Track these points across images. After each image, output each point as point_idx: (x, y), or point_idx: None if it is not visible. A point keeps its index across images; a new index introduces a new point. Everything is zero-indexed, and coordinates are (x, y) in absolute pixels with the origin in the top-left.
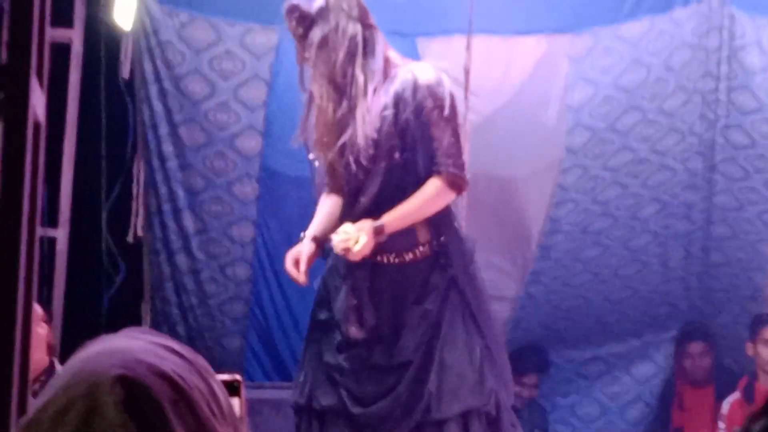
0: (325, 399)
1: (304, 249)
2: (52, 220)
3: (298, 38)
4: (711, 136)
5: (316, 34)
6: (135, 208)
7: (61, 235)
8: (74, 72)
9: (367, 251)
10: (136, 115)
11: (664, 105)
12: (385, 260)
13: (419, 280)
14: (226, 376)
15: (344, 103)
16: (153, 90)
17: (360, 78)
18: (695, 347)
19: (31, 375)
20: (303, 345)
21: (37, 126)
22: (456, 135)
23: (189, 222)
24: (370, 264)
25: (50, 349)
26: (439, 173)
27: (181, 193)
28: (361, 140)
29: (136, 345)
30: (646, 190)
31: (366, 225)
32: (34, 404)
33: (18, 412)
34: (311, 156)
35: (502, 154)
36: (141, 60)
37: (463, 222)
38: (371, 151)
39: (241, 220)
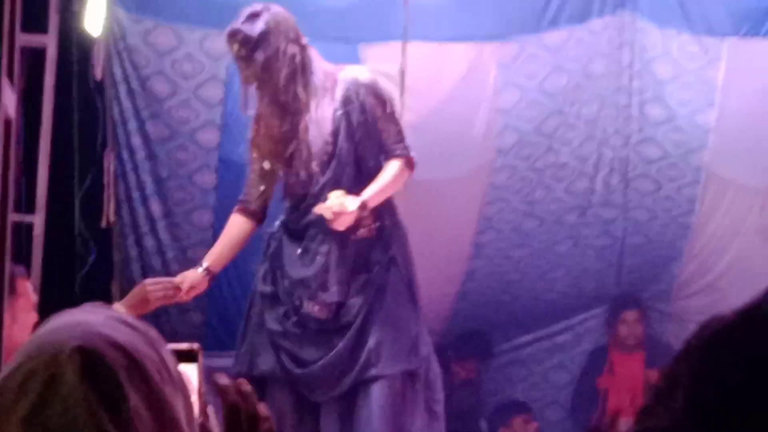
0: (265, 364)
1: (192, 277)
2: (29, 207)
3: (241, 60)
4: (625, 153)
5: (259, 56)
6: (106, 196)
7: (37, 220)
8: (49, 74)
9: (351, 221)
10: (106, 113)
11: (582, 110)
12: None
13: (363, 255)
14: (185, 345)
15: (288, 119)
16: (122, 89)
17: (302, 95)
18: (630, 315)
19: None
20: (243, 320)
21: (8, 122)
22: (398, 123)
23: (156, 207)
24: (329, 241)
25: (34, 327)
26: (395, 156)
27: (148, 182)
28: (314, 146)
29: (93, 318)
30: (568, 196)
31: (352, 199)
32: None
33: None
34: (255, 166)
35: (437, 155)
36: (110, 62)
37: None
38: (330, 149)
39: (201, 207)
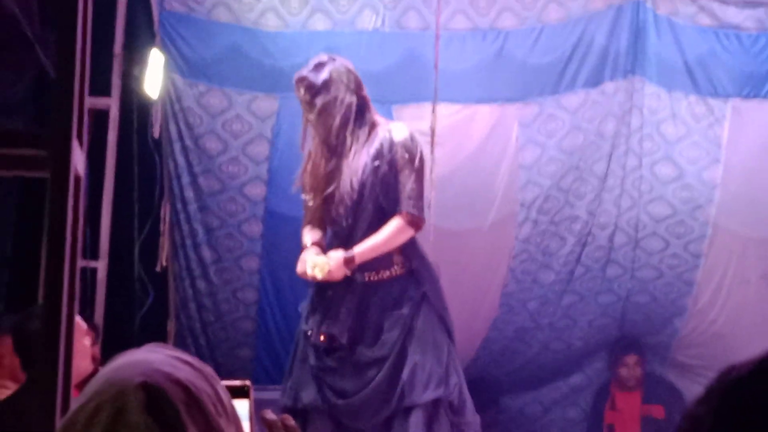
0: (308, 397)
1: (308, 252)
2: (93, 254)
3: (304, 104)
4: (635, 213)
5: (318, 101)
6: (162, 243)
7: (101, 266)
8: (112, 133)
9: (337, 276)
10: (162, 168)
11: (594, 167)
12: (367, 278)
13: (396, 293)
14: (237, 382)
15: (333, 161)
16: (177, 147)
17: (348, 141)
18: (630, 359)
19: (77, 380)
20: (290, 356)
21: (77, 179)
22: (419, 182)
23: (207, 254)
24: (352, 283)
25: (95, 359)
26: (400, 213)
27: (200, 230)
28: (344, 191)
29: (154, 357)
30: (579, 249)
31: (338, 254)
32: (71, 407)
33: (62, 411)
34: (304, 196)
35: (464, 207)
36: (167, 122)
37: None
38: (355, 197)
39: (249, 254)
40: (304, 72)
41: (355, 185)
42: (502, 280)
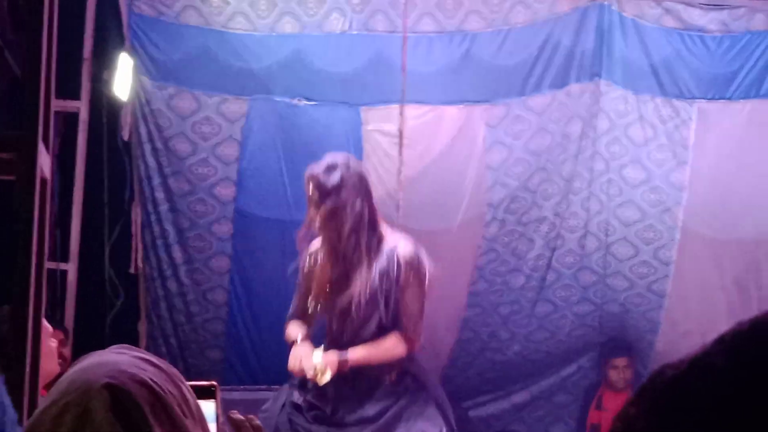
0: None
1: (303, 348)
2: (63, 256)
3: (311, 202)
4: (605, 218)
5: (328, 204)
6: (134, 245)
7: (71, 268)
8: (81, 135)
9: (328, 380)
10: (132, 170)
11: (560, 168)
12: (366, 376)
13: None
14: (204, 383)
15: (340, 267)
16: (147, 149)
17: (362, 250)
18: (620, 361)
19: (44, 381)
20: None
21: (44, 181)
22: (421, 304)
23: (177, 254)
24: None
25: (66, 361)
26: (400, 331)
27: (171, 231)
28: (350, 305)
29: (120, 358)
30: (549, 254)
31: (333, 358)
32: (37, 407)
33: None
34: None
35: (432, 207)
36: (137, 125)
37: None
38: (361, 315)
39: (219, 254)
40: (316, 170)
41: (362, 303)
42: (469, 277)
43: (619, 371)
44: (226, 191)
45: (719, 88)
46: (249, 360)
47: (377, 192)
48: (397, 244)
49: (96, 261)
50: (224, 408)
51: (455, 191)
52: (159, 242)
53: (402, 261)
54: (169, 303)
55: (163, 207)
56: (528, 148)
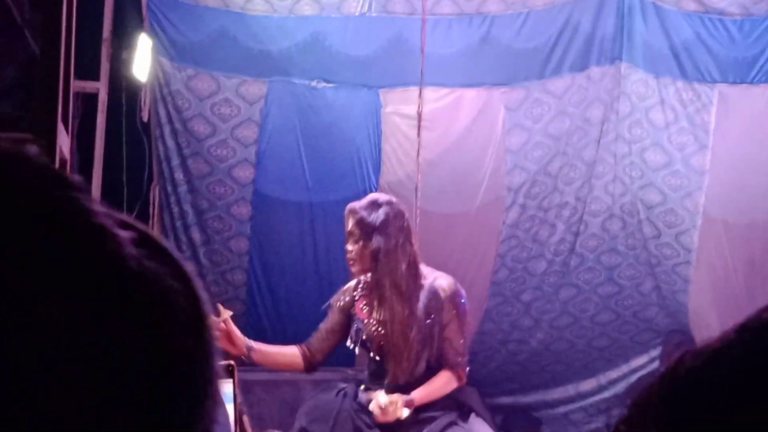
0: None
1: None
2: None
3: (351, 237)
4: (629, 200)
5: (376, 242)
6: (151, 225)
7: None
8: (100, 116)
9: (406, 416)
10: (151, 151)
11: (582, 153)
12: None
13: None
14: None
15: (388, 307)
16: (166, 130)
17: (410, 290)
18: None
19: None
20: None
21: (63, 161)
22: (464, 337)
23: (196, 235)
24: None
25: None
26: (450, 368)
27: (190, 212)
28: (409, 343)
29: None
30: (572, 238)
31: (404, 399)
32: None
33: None
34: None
35: (450, 190)
36: (156, 106)
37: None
38: (413, 356)
39: (238, 235)
40: (356, 206)
41: (415, 343)
42: (491, 266)
43: None
44: (245, 173)
45: (740, 72)
46: (268, 340)
47: (396, 175)
48: (435, 280)
49: None
50: (243, 388)
51: (474, 174)
52: (178, 223)
53: (443, 297)
54: None
55: (182, 188)
56: (547, 131)
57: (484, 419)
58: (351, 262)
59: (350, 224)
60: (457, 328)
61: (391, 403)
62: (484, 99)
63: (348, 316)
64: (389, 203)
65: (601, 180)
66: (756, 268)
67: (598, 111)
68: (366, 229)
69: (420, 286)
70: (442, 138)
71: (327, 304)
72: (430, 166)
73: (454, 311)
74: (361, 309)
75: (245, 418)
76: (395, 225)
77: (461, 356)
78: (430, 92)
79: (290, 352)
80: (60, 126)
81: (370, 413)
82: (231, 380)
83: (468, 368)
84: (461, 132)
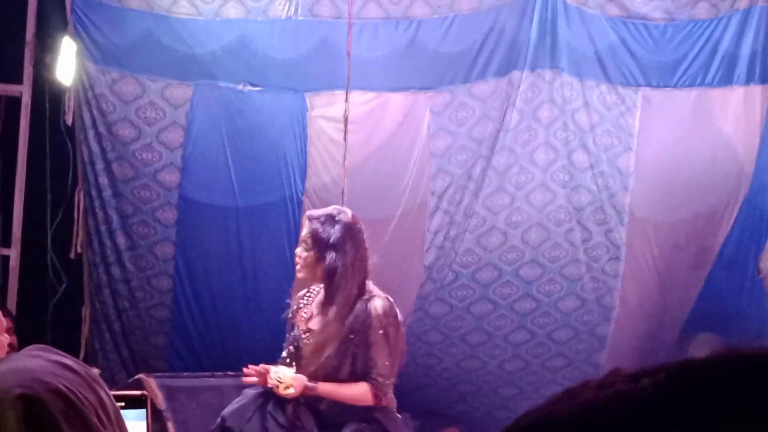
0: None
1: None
2: (5, 241)
3: (302, 243)
4: (555, 207)
5: (330, 260)
6: (75, 230)
7: (13, 253)
8: (24, 120)
9: (289, 395)
10: (76, 155)
11: (498, 159)
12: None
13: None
14: (136, 393)
15: (321, 315)
16: (90, 134)
17: (343, 303)
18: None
19: None
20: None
21: None
22: (392, 358)
23: (121, 240)
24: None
25: (13, 349)
26: (371, 384)
27: (114, 217)
28: (325, 352)
29: (35, 364)
30: (480, 251)
31: (302, 379)
32: None
33: None
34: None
35: (376, 195)
36: (80, 109)
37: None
38: (336, 364)
39: (163, 240)
40: (314, 215)
41: (332, 353)
42: (417, 278)
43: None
44: (171, 177)
45: (664, 76)
46: (194, 346)
47: (322, 179)
48: (372, 299)
49: (38, 246)
50: (167, 395)
51: (400, 178)
52: (102, 228)
53: (373, 317)
54: (113, 289)
55: (107, 192)
56: (471, 135)
57: None
58: (297, 267)
59: (304, 232)
60: (381, 349)
61: (284, 376)
62: (409, 103)
63: (292, 325)
64: (347, 222)
65: (522, 190)
66: (679, 249)
67: (515, 118)
68: (319, 243)
69: (353, 302)
70: (368, 142)
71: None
72: (356, 170)
73: (382, 332)
74: (302, 317)
75: (170, 425)
76: (350, 244)
77: (383, 377)
78: (356, 96)
79: None
80: None
81: (285, 413)
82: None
83: (390, 392)
84: (387, 136)
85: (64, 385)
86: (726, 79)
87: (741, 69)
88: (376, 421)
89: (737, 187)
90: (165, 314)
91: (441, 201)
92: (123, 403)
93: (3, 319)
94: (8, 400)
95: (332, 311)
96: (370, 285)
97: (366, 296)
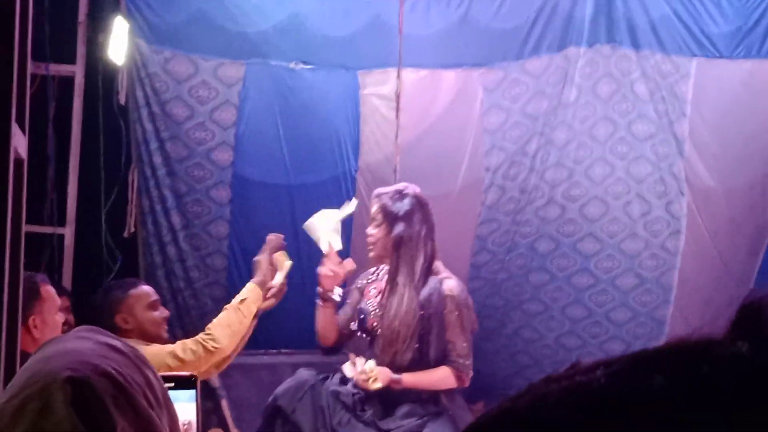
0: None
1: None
2: (61, 221)
3: (373, 222)
4: (617, 178)
5: (398, 230)
6: (130, 209)
7: (68, 232)
8: (77, 100)
9: (378, 388)
10: (129, 134)
11: (556, 136)
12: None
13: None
14: (186, 373)
15: (393, 292)
16: (144, 113)
17: (415, 280)
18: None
19: None
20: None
21: (19, 161)
22: (466, 337)
23: (176, 219)
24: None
25: (70, 326)
26: (452, 366)
27: (169, 196)
28: (397, 328)
29: (83, 346)
30: (540, 222)
31: (387, 372)
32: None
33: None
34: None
35: (430, 172)
36: (133, 89)
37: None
38: (402, 335)
39: (218, 219)
40: (382, 192)
41: (404, 330)
42: (470, 249)
43: None
44: (224, 156)
45: (718, 46)
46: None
47: (375, 156)
48: (444, 279)
49: (93, 225)
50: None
51: (453, 155)
52: (158, 207)
53: (447, 297)
54: (168, 269)
55: (161, 171)
56: (525, 111)
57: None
58: (370, 247)
59: (374, 209)
60: (458, 330)
61: (371, 370)
62: (462, 80)
63: (360, 297)
64: (415, 195)
65: (581, 165)
66: (736, 226)
67: (573, 93)
68: (389, 217)
69: (426, 279)
70: (421, 119)
71: (352, 287)
72: (409, 148)
73: (457, 313)
74: (369, 291)
75: (224, 403)
76: (419, 216)
77: (463, 358)
78: (408, 73)
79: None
80: (14, 128)
81: (337, 397)
82: (194, 390)
83: (471, 373)
84: (440, 113)
85: (112, 367)
86: None
87: None
88: (437, 401)
89: None
90: (220, 293)
91: (495, 176)
92: (173, 384)
93: (59, 298)
94: (56, 383)
95: (402, 280)
96: (441, 266)
97: (439, 276)
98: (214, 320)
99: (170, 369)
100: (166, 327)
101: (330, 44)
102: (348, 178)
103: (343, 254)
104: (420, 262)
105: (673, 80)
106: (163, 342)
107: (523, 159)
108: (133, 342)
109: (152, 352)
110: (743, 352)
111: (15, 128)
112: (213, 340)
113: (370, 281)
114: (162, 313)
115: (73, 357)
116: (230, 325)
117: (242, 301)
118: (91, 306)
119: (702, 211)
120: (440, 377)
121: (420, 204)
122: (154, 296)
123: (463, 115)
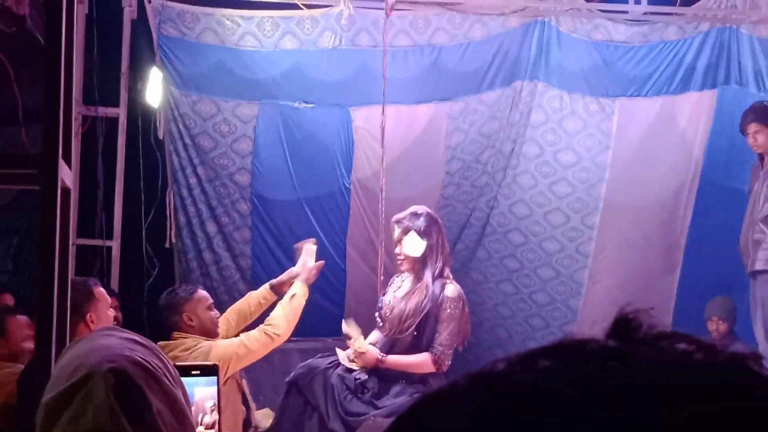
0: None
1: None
2: (109, 235)
3: (398, 243)
4: (538, 191)
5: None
6: (169, 224)
7: (114, 245)
8: (121, 136)
9: (360, 364)
10: (165, 163)
11: (504, 147)
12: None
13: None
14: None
15: (411, 287)
16: (179, 145)
17: (430, 278)
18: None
19: None
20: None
21: (66, 191)
22: (452, 334)
23: (212, 228)
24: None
25: (118, 322)
26: (432, 353)
27: (204, 209)
28: (405, 314)
29: (112, 342)
30: (488, 211)
31: (375, 351)
32: (48, 389)
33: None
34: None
35: (408, 181)
36: (168, 126)
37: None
38: (403, 325)
39: (242, 227)
40: (401, 217)
41: (408, 318)
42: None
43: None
44: (244, 178)
45: (637, 87)
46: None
47: (366, 173)
48: (446, 284)
49: (135, 238)
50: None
51: (424, 168)
52: (194, 220)
53: (446, 298)
54: (203, 272)
55: (196, 190)
56: (481, 131)
57: None
58: (399, 262)
59: (397, 232)
60: (446, 325)
61: (359, 347)
62: (432, 111)
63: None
64: (427, 213)
65: (515, 170)
66: (649, 242)
67: (516, 115)
68: (419, 233)
69: (435, 280)
70: (400, 143)
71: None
72: (392, 165)
73: (449, 312)
74: (390, 287)
75: (244, 382)
76: (435, 229)
77: (444, 347)
78: (390, 109)
79: None
80: (61, 162)
81: (343, 381)
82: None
83: (448, 362)
84: (415, 137)
85: (139, 356)
86: (685, 86)
87: (697, 78)
88: (425, 382)
89: (689, 170)
90: (245, 288)
91: (453, 177)
92: (199, 372)
93: (110, 298)
94: (99, 374)
95: (422, 284)
96: (448, 270)
97: (444, 279)
98: (271, 314)
99: (240, 358)
100: (219, 325)
101: (327, 87)
102: (343, 191)
103: (341, 252)
104: (439, 266)
105: (599, 118)
106: (217, 337)
107: (477, 165)
108: (193, 338)
109: (224, 344)
110: (609, 345)
111: (61, 163)
112: (274, 327)
113: (392, 282)
114: (216, 314)
115: (108, 351)
116: (286, 315)
117: (293, 296)
118: (156, 306)
119: (614, 225)
120: (420, 361)
121: (433, 219)
122: (211, 299)
123: (433, 138)
